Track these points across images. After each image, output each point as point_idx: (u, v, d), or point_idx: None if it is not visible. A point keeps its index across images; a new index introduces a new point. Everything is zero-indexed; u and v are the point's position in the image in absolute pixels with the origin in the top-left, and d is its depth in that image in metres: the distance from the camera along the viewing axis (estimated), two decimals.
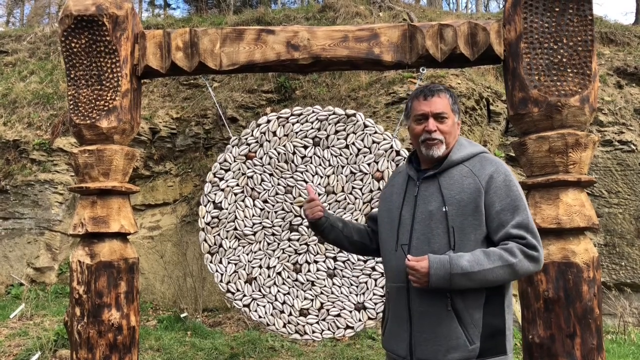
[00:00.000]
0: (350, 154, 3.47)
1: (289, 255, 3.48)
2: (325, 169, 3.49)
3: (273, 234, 3.50)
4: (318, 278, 3.44)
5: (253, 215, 3.51)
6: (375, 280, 3.40)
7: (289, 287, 3.46)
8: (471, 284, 1.90)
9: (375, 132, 3.46)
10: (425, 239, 2.02)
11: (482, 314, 1.96)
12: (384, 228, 2.23)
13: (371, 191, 3.43)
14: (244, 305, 3.47)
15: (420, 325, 2.01)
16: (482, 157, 2.09)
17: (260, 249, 3.50)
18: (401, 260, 2.03)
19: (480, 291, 1.95)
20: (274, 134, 3.52)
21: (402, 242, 2.09)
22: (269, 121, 3.53)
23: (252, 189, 3.52)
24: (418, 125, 2.12)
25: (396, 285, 2.11)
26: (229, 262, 3.49)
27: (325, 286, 3.44)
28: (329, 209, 3.47)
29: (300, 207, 3.49)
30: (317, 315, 3.42)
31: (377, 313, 3.39)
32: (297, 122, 3.51)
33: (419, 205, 2.08)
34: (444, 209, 2.00)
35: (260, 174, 3.52)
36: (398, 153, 3.43)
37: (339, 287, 3.43)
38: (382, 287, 3.37)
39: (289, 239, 3.49)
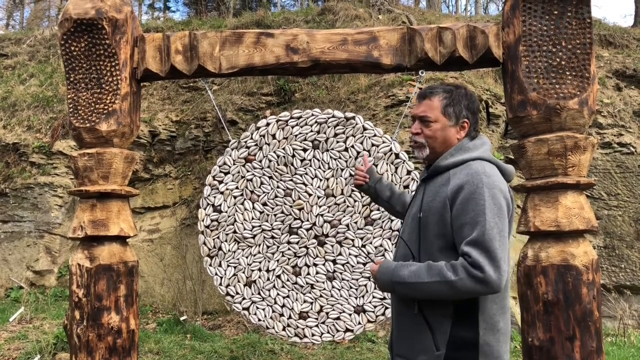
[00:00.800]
0: (350, 156, 3.48)
1: (289, 258, 3.48)
2: (324, 171, 3.49)
3: (272, 237, 3.50)
4: (317, 281, 3.44)
5: (252, 218, 3.51)
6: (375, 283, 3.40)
7: (289, 290, 3.46)
8: (414, 294, 1.93)
9: (375, 135, 3.46)
10: (407, 241, 2.10)
11: (451, 324, 1.94)
12: None
13: None
14: (244, 308, 3.47)
15: (398, 325, 2.11)
16: (468, 165, 2.01)
17: (259, 252, 3.49)
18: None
19: (447, 301, 1.93)
20: (274, 137, 3.52)
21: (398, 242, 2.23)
22: (268, 124, 3.53)
23: (252, 192, 3.52)
24: (412, 127, 2.19)
25: None
26: (228, 265, 3.49)
27: (324, 289, 3.43)
28: (328, 212, 3.47)
29: (300, 210, 3.49)
30: (317, 318, 3.42)
31: (376, 316, 3.39)
32: (297, 125, 3.52)
33: (411, 209, 2.18)
34: (419, 215, 2.04)
35: (260, 177, 3.52)
36: (397, 156, 3.43)
37: (339, 290, 3.43)
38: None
39: (289, 242, 3.49)
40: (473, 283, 1.81)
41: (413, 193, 2.40)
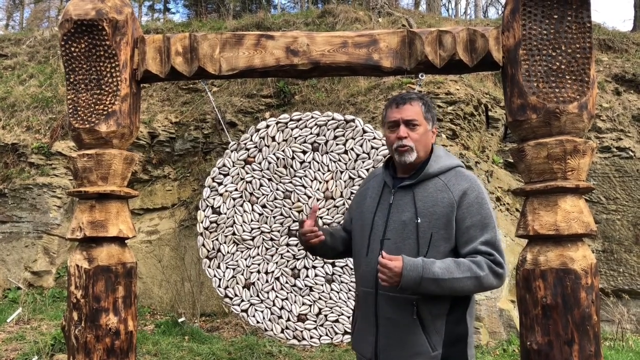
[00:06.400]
0: (349, 159, 3.48)
1: (287, 261, 3.47)
2: (324, 174, 3.49)
3: (271, 239, 3.49)
4: (316, 283, 3.43)
5: (252, 220, 3.50)
6: None
7: (287, 293, 3.45)
8: (439, 290, 1.94)
9: (374, 138, 3.47)
10: (397, 247, 2.06)
11: (444, 322, 2.02)
12: (356, 232, 2.26)
13: None
14: (242, 310, 3.47)
15: (386, 331, 2.06)
16: (458, 171, 2.15)
17: (258, 254, 3.49)
18: (371, 265, 2.07)
19: (445, 300, 2.01)
20: (273, 139, 3.52)
21: (374, 249, 2.10)
22: (268, 126, 3.53)
23: (251, 194, 3.52)
24: (391, 133, 2.17)
25: (365, 290, 2.14)
26: (227, 267, 3.49)
27: (323, 291, 3.43)
28: (327, 214, 3.47)
29: (299, 212, 3.49)
30: (315, 321, 3.42)
31: None
32: (296, 127, 3.52)
33: (393, 214, 2.11)
34: (416, 221, 2.04)
35: (259, 179, 3.52)
36: None
37: (337, 292, 3.43)
38: None
39: (288, 244, 3.48)
40: (494, 278, 2.00)
41: (365, 198, 2.25)
